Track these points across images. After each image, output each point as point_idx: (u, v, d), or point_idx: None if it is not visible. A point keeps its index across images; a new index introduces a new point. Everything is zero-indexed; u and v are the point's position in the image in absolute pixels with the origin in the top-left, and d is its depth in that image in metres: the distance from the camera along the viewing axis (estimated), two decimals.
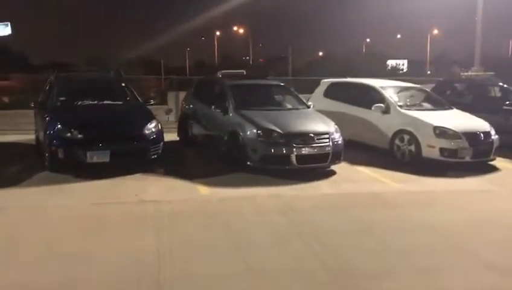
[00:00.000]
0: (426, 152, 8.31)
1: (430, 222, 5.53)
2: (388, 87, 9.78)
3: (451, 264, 4.34)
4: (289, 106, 8.96)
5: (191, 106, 10.28)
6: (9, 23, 28.47)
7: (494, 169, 8.46)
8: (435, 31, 65.88)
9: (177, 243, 4.68)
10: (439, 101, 9.84)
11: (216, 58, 57.95)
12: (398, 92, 9.71)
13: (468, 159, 8.24)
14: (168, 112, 14.32)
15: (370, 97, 9.56)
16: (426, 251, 4.64)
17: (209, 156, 8.91)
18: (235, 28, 63.26)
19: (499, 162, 8.86)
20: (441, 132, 8.27)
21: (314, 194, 6.64)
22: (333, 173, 7.83)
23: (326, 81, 11.18)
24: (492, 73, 13.46)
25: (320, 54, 65.70)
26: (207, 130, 9.28)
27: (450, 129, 8.27)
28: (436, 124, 8.37)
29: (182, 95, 14.14)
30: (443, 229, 5.29)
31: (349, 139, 9.87)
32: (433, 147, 8.24)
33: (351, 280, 4.00)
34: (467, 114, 9.30)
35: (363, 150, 9.44)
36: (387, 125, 9.02)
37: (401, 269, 4.22)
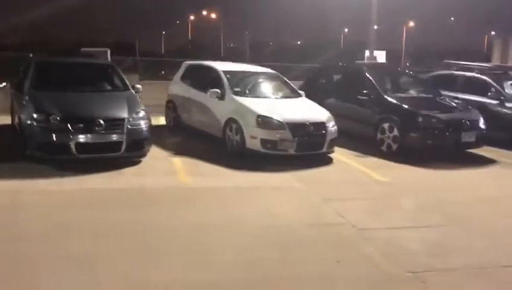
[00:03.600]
0: (249, 143, 7.56)
1: (167, 223, 4.80)
2: (234, 72, 8.99)
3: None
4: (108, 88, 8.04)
5: None
6: None
7: (327, 162, 7.81)
8: (411, 23, 66.38)
9: None
10: (290, 88, 9.09)
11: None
12: (243, 78, 8.94)
13: (292, 151, 7.53)
14: None
15: (213, 81, 8.76)
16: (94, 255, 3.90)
17: None
18: (208, 14, 62.61)
19: (339, 154, 8.25)
20: (264, 122, 7.52)
21: (71, 189, 5.77)
22: (136, 163, 7.04)
23: (185, 63, 10.33)
24: (385, 61, 12.90)
25: (299, 42, 65.47)
26: None
27: (273, 119, 7.51)
28: (260, 112, 7.62)
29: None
30: (176, 230, 4.59)
31: (194, 127, 9.27)
32: (255, 137, 7.50)
33: None
34: (312, 104, 8.60)
35: (204, 139, 8.70)
36: (221, 112, 8.25)
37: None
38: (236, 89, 8.36)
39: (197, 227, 4.74)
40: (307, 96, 9.10)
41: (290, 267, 4.01)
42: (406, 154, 8.21)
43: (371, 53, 13.52)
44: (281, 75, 9.53)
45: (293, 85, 9.31)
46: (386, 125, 8.58)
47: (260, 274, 3.86)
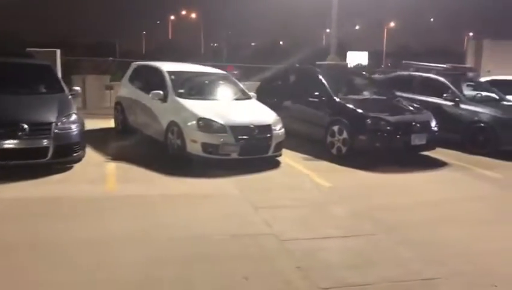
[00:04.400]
0: (190, 147, 7.24)
1: (60, 236, 4.42)
2: (180, 73, 8.67)
3: None
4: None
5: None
6: None
7: (273, 166, 7.54)
8: (392, 24, 66.93)
9: None
10: (239, 90, 8.79)
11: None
12: (189, 79, 8.62)
13: (235, 155, 7.23)
14: None
15: (158, 83, 8.41)
16: None
17: None
18: (188, 14, 62.09)
19: (288, 158, 8.01)
20: (205, 125, 7.20)
21: None
22: (67, 169, 6.66)
23: (133, 64, 9.96)
24: (346, 62, 12.72)
25: (281, 42, 65.32)
26: None
27: (215, 122, 7.21)
28: (202, 115, 7.31)
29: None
30: (65, 244, 4.21)
31: (139, 131, 8.98)
32: (195, 141, 7.18)
33: None
34: (260, 106, 8.33)
35: (149, 143, 8.38)
36: (163, 115, 7.92)
37: None
38: (180, 91, 8.03)
39: (99, 241, 4.38)
40: (264, 98, 8.83)
41: (184, 286, 3.69)
42: (356, 157, 8.01)
43: (332, 53, 13.35)
44: (231, 77, 9.23)
45: (243, 87, 9.02)
46: (335, 128, 8.35)
47: None
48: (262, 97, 10.45)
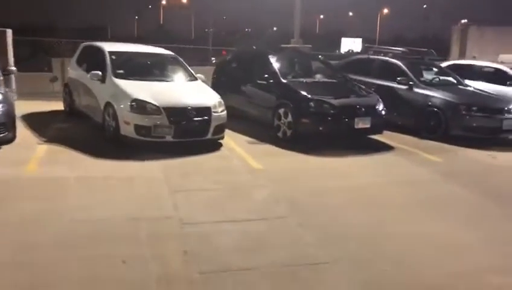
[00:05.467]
0: (123, 129, 7.07)
1: None
2: (121, 53, 8.45)
3: None
4: None
5: None
6: None
7: (211, 150, 7.37)
8: (385, 10, 66.42)
9: None
10: (184, 72, 8.57)
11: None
12: (131, 59, 8.40)
13: (170, 138, 7.05)
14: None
15: (99, 63, 8.18)
16: None
17: None
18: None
19: (232, 141, 7.87)
20: (138, 106, 7.00)
21: None
22: None
23: (81, 45, 9.71)
24: (309, 46, 12.51)
25: (275, 28, 64.65)
26: None
27: (149, 103, 7.00)
28: (135, 96, 7.12)
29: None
30: None
31: (83, 112, 8.79)
32: (128, 123, 7.01)
33: None
34: (204, 88, 8.13)
35: (91, 125, 8.20)
36: (102, 96, 7.72)
37: None
38: (119, 71, 7.81)
39: None
40: (219, 80, 8.61)
41: (56, 269, 3.55)
42: (302, 141, 7.87)
43: (296, 37, 13.09)
44: (179, 58, 9.01)
45: (189, 68, 8.80)
46: (281, 111, 8.18)
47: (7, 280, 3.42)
48: (217, 80, 10.36)
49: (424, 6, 76.94)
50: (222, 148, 7.56)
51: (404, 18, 70.47)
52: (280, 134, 8.22)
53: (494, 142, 8.61)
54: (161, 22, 66.49)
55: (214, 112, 7.44)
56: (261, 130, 8.57)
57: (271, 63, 8.88)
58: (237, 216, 4.76)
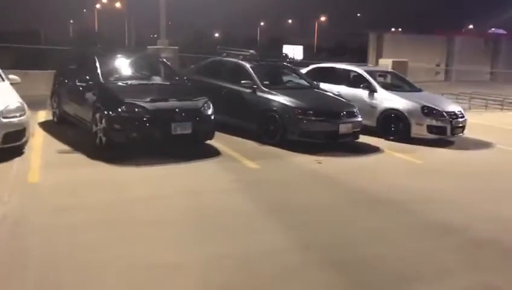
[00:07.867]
0: None
1: None
2: None
3: None
4: None
5: None
6: None
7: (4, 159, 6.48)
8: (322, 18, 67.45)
9: None
10: None
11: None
12: None
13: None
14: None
15: None
16: None
17: None
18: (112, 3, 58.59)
19: (44, 149, 6.99)
20: None
21: None
22: None
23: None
24: (175, 47, 11.92)
25: (216, 35, 63.40)
26: None
27: None
28: None
29: None
30: None
31: None
32: None
33: None
34: (6, 91, 7.24)
35: None
36: None
37: None
38: None
39: None
40: (60, 82, 7.89)
41: None
42: (120, 148, 7.14)
43: (162, 38, 12.49)
44: None
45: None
46: (97, 116, 7.41)
47: None
48: (59, 85, 9.52)
49: (358, 15, 79.88)
50: (16, 159, 6.66)
51: (342, 25, 72.05)
52: (98, 141, 7.44)
53: (332, 147, 8.30)
54: (96, 26, 63.28)
55: (5, 117, 6.57)
56: (87, 137, 7.75)
57: (95, 64, 8.07)
58: None
